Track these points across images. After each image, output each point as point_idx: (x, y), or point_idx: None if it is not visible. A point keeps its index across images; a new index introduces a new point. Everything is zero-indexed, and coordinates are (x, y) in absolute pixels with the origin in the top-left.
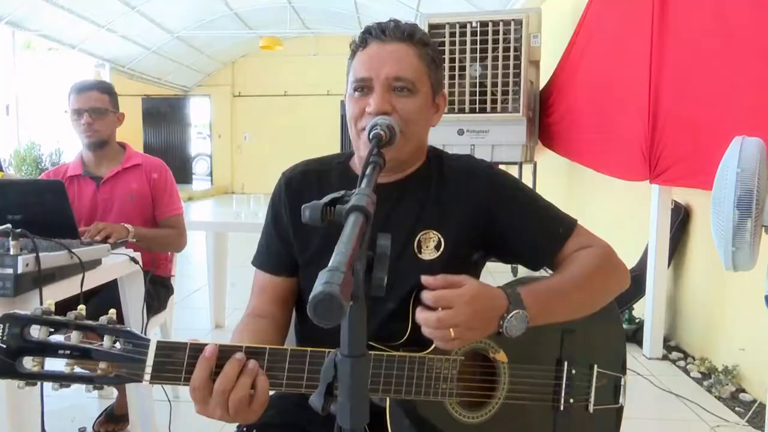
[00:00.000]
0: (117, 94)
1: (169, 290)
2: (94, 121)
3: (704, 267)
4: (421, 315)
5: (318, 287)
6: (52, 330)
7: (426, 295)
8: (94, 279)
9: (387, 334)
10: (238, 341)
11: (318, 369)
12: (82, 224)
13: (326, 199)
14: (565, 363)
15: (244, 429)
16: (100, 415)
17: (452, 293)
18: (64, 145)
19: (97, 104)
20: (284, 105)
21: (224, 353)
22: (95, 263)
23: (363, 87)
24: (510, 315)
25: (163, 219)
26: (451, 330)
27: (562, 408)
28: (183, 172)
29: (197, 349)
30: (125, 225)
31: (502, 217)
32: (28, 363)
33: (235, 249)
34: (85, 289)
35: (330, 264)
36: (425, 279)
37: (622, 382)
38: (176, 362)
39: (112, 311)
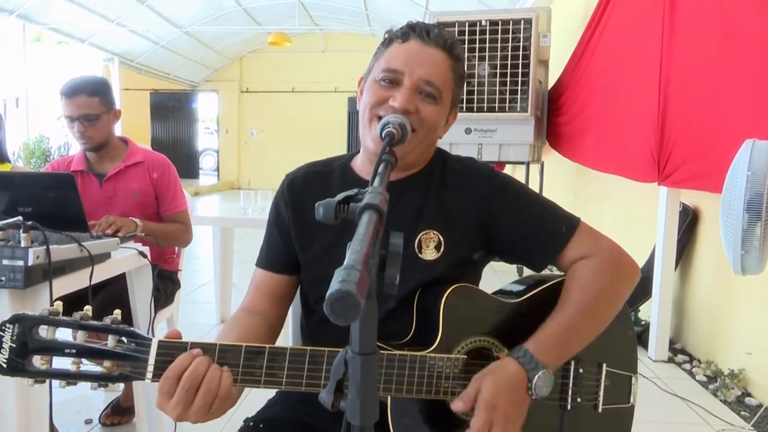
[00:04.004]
0: (109, 88)
1: (176, 284)
2: (86, 129)
3: (711, 270)
4: None
5: (335, 285)
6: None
7: None
8: (102, 272)
9: (388, 332)
10: (226, 336)
11: (317, 368)
12: None
13: (340, 196)
14: (572, 362)
15: (251, 423)
16: (106, 408)
17: (481, 422)
18: (72, 139)
19: (88, 111)
20: (292, 101)
21: (224, 353)
22: (104, 257)
23: (392, 79)
24: (534, 382)
25: (168, 215)
26: None
27: (569, 407)
28: (190, 167)
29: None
30: (134, 219)
31: (503, 218)
32: (37, 361)
33: (242, 244)
34: (93, 282)
35: (345, 262)
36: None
37: (633, 382)
38: None
39: (117, 312)
